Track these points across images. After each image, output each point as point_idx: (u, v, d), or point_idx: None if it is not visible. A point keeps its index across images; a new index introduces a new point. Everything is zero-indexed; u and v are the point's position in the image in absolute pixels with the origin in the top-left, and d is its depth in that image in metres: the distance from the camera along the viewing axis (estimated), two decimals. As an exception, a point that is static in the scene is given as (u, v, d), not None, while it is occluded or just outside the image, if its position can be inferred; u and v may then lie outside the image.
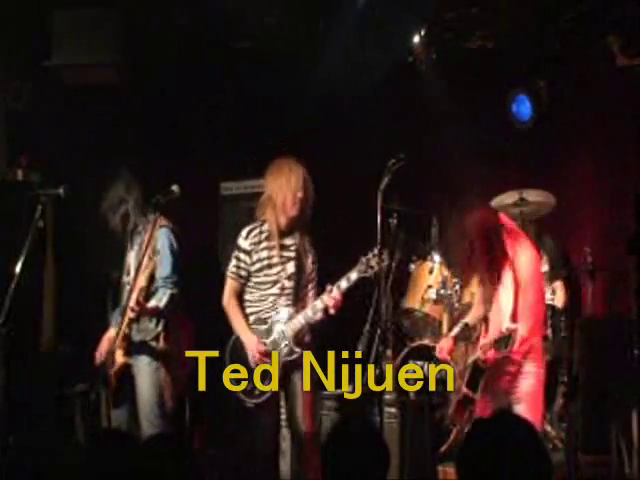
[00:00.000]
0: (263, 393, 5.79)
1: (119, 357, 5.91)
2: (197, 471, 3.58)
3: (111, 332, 6.11)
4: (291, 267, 5.87)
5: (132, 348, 5.95)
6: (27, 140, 7.60)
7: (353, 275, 5.63)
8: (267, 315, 5.88)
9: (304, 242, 5.92)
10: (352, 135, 8.02)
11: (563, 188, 7.48)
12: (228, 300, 5.99)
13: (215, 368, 6.66)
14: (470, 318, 5.73)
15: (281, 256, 5.88)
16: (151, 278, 5.85)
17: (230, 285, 6.00)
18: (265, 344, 5.80)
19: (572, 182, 7.73)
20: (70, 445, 6.70)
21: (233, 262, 6.00)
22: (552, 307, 7.04)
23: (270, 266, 5.90)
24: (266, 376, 5.80)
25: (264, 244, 5.91)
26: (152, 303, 5.87)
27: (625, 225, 6.66)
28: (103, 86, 7.52)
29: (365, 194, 6.03)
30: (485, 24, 7.56)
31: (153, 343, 5.97)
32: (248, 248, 5.94)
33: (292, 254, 5.88)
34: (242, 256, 5.96)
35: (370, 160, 6.69)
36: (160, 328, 5.96)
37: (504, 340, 5.12)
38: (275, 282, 5.89)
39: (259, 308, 5.91)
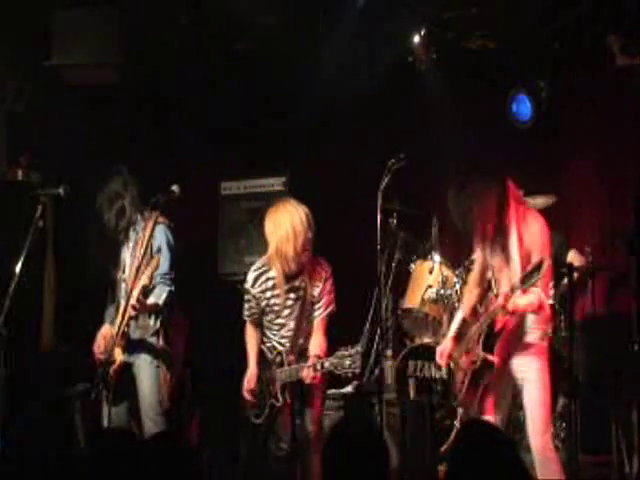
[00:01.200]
0: (258, 417, 5.93)
1: (118, 355, 5.91)
2: (199, 470, 3.58)
3: (105, 329, 6.12)
4: (297, 308, 5.88)
5: (131, 346, 5.97)
6: (27, 140, 7.60)
7: (326, 364, 5.60)
8: (273, 354, 5.96)
9: (312, 273, 5.88)
10: (352, 135, 8.02)
11: (563, 188, 7.48)
12: (246, 332, 6.09)
13: (214, 368, 6.68)
14: (464, 311, 5.66)
15: (288, 299, 5.89)
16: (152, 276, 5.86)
17: (248, 327, 6.08)
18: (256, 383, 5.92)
19: (572, 182, 7.73)
20: (70, 445, 6.70)
21: (245, 306, 6.05)
22: (552, 307, 7.04)
23: (278, 312, 5.93)
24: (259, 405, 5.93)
25: (270, 292, 5.93)
26: (151, 300, 5.89)
27: (625, 225, 6.67)
28: (103, 86, 7.52)
29: (365, 194, 6.03)
30: (485, 24, 7.55)
31: (152, 340, 5.99)
32: (257, 295, 5.97)
33: (300, 293, 5.87)
34: (252, 301, 6.00)
35: (370, 160, 6.69)
36: (159, 325, 5.98)
37: (532, 272, 5.02)
38: (283, 325, 5.93)
39: (270, 344, 5.98)
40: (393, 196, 6.68)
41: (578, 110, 7.69)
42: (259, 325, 6.03)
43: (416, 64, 7.84)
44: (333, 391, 6.99)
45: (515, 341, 5.34)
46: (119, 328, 5.91)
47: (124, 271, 6.10)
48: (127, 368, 5.98)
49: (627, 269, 6.48)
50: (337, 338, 6.59)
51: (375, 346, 6.86)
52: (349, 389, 7.09)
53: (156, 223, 5.95)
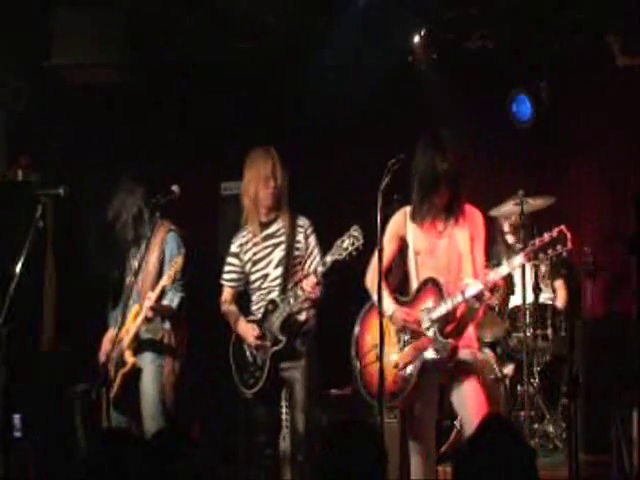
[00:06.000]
0: (257, 382, 5.85)
1: (129, 357, 5.95)
2: (204, 469, 3.57)
3: (111, 333, 6.14)
4: (279, 253, 5.91)
5: (138, 346, 6.01)
6: (27, 140, 7.60)
7: (328, 259, 5.60)
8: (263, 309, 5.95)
9: (291, 221, 5.94)
10: (352, 135, 8.02)
11: (563, 188, 7.48)
12: (223, 305, 6.12)
13: (212, 367, 6.67)
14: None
15: (265, 247, 5.96)
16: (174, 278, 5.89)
17: (225, 292, 6.13)
18: (259, 328, 5.87)
19: (572, 182, 7.73)
20: (70, 445, 6.71)
21: (224, 268, 6.13)
22: (552, 307, 7.05)
23: (258, 261, 5.98)
24: (257, 366, 5.86)
25: (250, 242, 6.01)
26: (165, 303, 5.94)
27: (625, 225, 6.67)
28: (103, 86, 7.52)
29: (365, 194, 6.03)
30: (485, 24, 7.56)
31: (159, 341, 6.03)
32: (236, 250, 6.06)
33: (279, 239, 5.93)
34: (232, 260, 6.09)
35: (370, 160, 6.68)
36: (168, 327, 6.03)
37: (551, 243, 4.79)
38: (265, 276, 5.95)
39: (259, 306, 5.96)
40: (393, 196, 6.68)
41: (578, 110, 7.69)
42: (236, 299, 6.07)
43: (416, 64, 7.84)
44: (332, 392, 6.99)
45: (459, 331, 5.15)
46: (129, 331, 5.95)
47: (134, 276, 6.12)
48: (135, 370, 6.02)
49: (627, 269, 6.48)
50: (336, 338, 6.59)
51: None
52: (349, 389, 7.09)
53: (167, 230, 6.07)
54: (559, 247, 4.72)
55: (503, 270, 4.96)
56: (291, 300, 5.76)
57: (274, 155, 5.98)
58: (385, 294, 5.16)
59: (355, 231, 5.49)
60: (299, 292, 5.72)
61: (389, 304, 5.23)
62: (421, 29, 7.64)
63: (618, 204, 7.33)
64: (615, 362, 6.53)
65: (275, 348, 5.80)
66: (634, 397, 6.06)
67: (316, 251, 5.94)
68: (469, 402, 5.07)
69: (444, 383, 5.19)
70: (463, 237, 5.19)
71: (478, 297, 4.99)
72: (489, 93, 7.71)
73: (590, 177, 7.71)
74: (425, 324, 5.12)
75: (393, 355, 5.21)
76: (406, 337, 5.20)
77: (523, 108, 7.66)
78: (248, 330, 5.91)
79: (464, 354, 5.14)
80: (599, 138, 7.60)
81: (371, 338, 5.30)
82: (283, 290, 5.88)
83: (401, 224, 5.39)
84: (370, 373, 5.26)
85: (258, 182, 5.95)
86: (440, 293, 5.09)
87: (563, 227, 4.74)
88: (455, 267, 5.17)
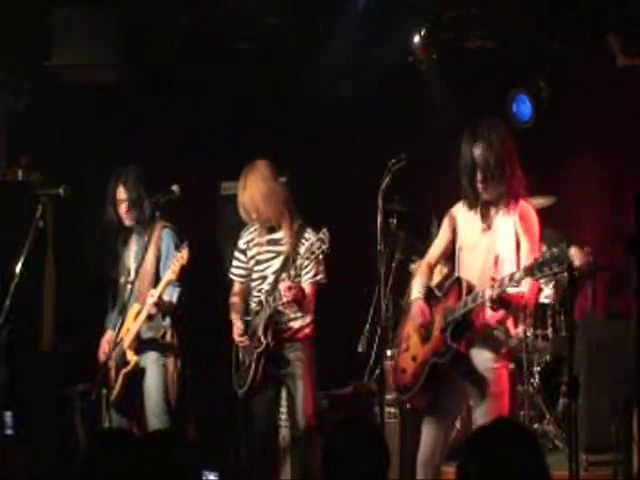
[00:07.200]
0: (245, 382, 5.89)
1: (131, 357, 5.96)
2: (197, 468, 3.58)
3: (109, 334, 6.15)
4: (278, 262, 5.91)
5: (140, 345, 6.02)
6: (27, 140, 7.60)
7: (298, 262, 5.64)
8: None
9: (297, 233, 5.92)
10: (352, 135, 8.02)
11: (563, 188, 7.47)
12: (231, 297, 6.13)
13: (211, 366, 6.68)
14: (419, 291, 5.15)
15: (268, 251, 5.97)
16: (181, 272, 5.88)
17: (234, 285, 6.15)
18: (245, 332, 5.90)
19: (572, 182, 7.72)
20: (70, 445, 6.71)
21: (233, 263, 6.16)
22: (552, 307, 7.05)
23: (259, 262, 6.01)
24: (245, 366, 5.90)
25: (255, 241, 6.03)
26: (166, 298, 5.95)
27: (625, 225, 6.66)
28: (103, 86, 7.52)
29: (365, 194, 6.03)
30: (485, 24, 7.56)
31: (161, 339, 6.04)
32: (243, 247, 6.09)
33: (281, 248, 5.93)
34: (238, 255, 6.12)
35: (370, 160, 6.69)
36: (169, 323, 6.04)
37: (551, 261, 4.44)
38: (263, 278, 5.98)
39: (254, 305, 5.98)
40: (393, 196, 6.68)
41: (578, 110, 7.69)
42: (242, 294, 6.08)
43: (416, 64, 7.84)
44: (333, 391, 7.00)
45: (481, 337, 4.91)
46: (130, 330, 5.96)
47: (129, 275, 6.12)
48: (138, 369, 6.03)
49: (627, 269, 6.48)
50: (336, 338, 6.61)
51: (375, 346, 6.85)
52: (349, 389, 7.09)
53: (162, 227, 6.08)
54: (555, 266, 4.45)
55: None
56: (271, 301, 5.78)
57: (268, 166, 6.03)
58: (422, 281, 5.13)
59: (323, 234, 5.48)
60: (277, 294, 5.75)
61: (418, 292, 5.12)
62: (421, 29, 7.64)
63: (618, 204, 7.32)
64: (615, 362, 6.53)
65: (257, 350, 5.81)
66: (634, 397, 6.06)
67: (312, 264, 5.81)
68: (485, 400, 4.88)
69: (464, 387, 4.99)
70: (507, 237, 4.91)
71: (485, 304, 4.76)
72: (489, 93, 7.70)
73: (590, 177, 7.71)
74: (443, 325, 4.93)
75: (416, 348, 5.08)
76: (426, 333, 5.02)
77: (523, 108, 7.65)
78: (235, 327, 5.95)
79: (483, 363, 4.91)
80: (599, 138, 7.60)
81: (408, 328, 5.19)
82: (271, 292, 5.88)
83: (453, 214, 5.18)
84: (396, 361, 5.23)
85: (240, 198, 6.01)
86: (460, 295, 4.89)
87: (564, 244, 4.51)
88: (490, 270, 4.86)
